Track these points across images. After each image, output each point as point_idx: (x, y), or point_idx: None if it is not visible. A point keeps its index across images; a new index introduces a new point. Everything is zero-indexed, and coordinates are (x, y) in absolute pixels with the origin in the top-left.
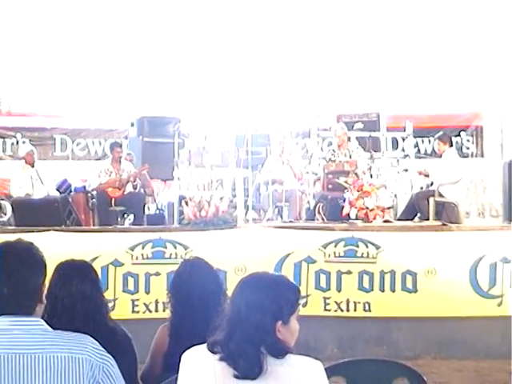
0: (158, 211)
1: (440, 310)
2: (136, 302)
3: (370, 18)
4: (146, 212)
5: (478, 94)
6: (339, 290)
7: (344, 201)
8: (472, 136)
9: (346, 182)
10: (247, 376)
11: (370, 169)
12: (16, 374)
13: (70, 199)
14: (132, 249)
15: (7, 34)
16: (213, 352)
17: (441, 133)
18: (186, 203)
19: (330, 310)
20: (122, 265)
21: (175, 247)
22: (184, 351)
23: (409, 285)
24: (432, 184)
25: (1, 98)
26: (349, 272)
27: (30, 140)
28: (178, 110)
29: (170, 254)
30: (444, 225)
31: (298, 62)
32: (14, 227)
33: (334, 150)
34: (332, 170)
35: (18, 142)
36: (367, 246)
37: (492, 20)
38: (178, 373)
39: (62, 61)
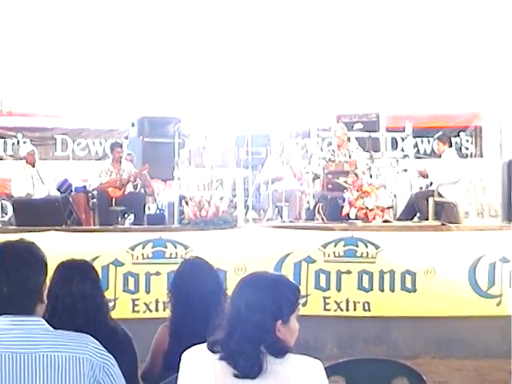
0: (158, 211)
1: (439, 310)
2: (136, 302)
3: (370, 19)
4: (147, 212)
5: (477, 95)
6: (339, 290)
7: (344, 201)
8: (471, 136)
9: (345, 182)
10: (247, 375)
11: (369, 169)
12: (17, 374)
13: (71, 199)
14: (132, 248)
15: (8, 34)
16: (213, 351)
17: (440, 133)
18: (187, 203)
19: (329, 310)
20: (123, 264)
21: (175, 247)
22: (184, 350)
23: (408, 284)
24: (431, 184)
25: (2, 98)
26: (348, 272)
27: (30, 140)
28: (178, 110)
29: (171, 254)
30: (443, 225)
31: (297, 62)
32: (14, 227)
33: (333, 150)
34: (332, 170)
35: (18, 142)
36: (367, 246)
37: (491, 20)
38: (178, 372)
39: (63, 61)
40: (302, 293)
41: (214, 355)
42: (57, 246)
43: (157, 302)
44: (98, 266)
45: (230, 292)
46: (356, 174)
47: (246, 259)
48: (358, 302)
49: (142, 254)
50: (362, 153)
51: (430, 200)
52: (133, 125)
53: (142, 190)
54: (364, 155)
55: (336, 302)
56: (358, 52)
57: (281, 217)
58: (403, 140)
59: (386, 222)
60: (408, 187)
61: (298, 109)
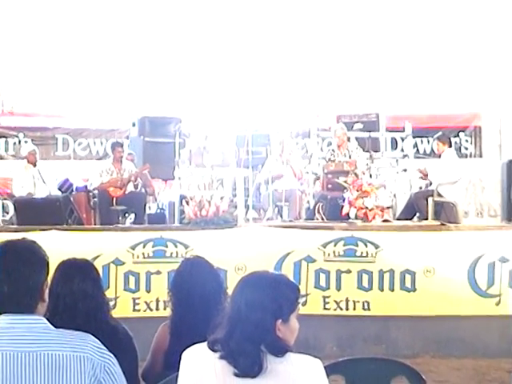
0: (158, 210)
1: (439, 309)
2: (137, 301)
3: (370, 19)
4: (147, 211)
5: (477, 95)
6: (339, 289)
7: (343, 200)
8: (471, 136)
9: (345, 181)
10: (247, 374)
11: (369, 169)
12: (18, 372)
13: (72, 198)
14: (133, 248)
15: (9, 34)
16: (213, 350)
17: (440, 133)
18: (187, 203)
19: (329, 309)
20: (123, 264)
21: (176, 246)
22: (184, 349)
23: (408, 284)
24: (431, 184)
25: (3, 98)
26: (348, 271)
27: (32, 140)
28: (178, 110)
29: (171, 253)
30: (443, 224)
31: (297, 63)
32: (16, 226)
33: (333, 150)
34: (332, 170)
35: (20, 142)
36: (366, 246)
37: (491, 21)
38: (178, 371)
39: (64, 61)
40: (302, 292)
41: (215, 354)
42: (58, 246)
43: (157, 300)
44: (98, 265)
45: (230, 291)
46: (356, 174)
47: (246, 258)
48: (358, 302)
49: (143, 254)
50: (362, 153)
51: (430, 200)
52: (134, 124)
53: (143, 190)
54: (364, 155)
55: (336, 301)
56: (358, 52)
57: (281, 216)
58: (403, 140)
59: (385, 221)
60: (408, 187)
61: (297, 109)
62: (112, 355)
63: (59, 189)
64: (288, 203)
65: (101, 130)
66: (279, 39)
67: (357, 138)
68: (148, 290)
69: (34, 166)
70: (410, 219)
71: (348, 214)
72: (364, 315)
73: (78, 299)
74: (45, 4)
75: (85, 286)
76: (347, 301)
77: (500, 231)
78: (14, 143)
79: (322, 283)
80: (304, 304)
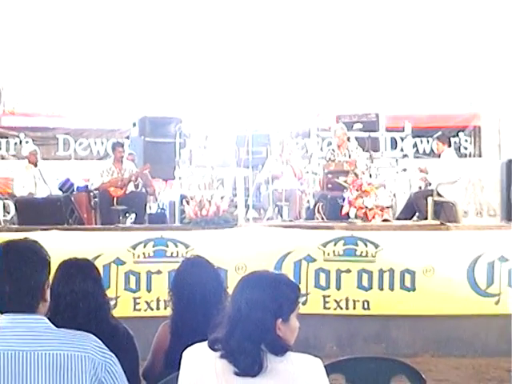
0: (159, 210)
1: (438, 308)
2: (138, 300)
3: (370, 19)
4: (148, 211)
5: (476, 95)
6: (338, 289)
7: (343, 200)
8: (470, 136)
9: (345, 181)
10: (247, 373)
11: (369, 168)
12: (19, 372)
13: (73, 198)
14: (134, 247)
15: (11, 34)
16: (213, 349)
17: (439, 133)
18: (187, 202)
19: (329, 308)
20: (124, 263)
21: (176, 246)
22: (185, 348)
23: (407, 283)
24: (430, 184)
25: (4, 98)
26: (348, 270)
27: (33, 140)
28: (179, 110)
29: (172, 253)
30: (442, 224)
31: (297, 63)
32: (17, 226)
33: (333, 150)
34: (331, 170)
35: (21, 142)
36: (366, 245)
37: (490, 21)
38: (179, 370)
39: (65, 61)
40: (302, 291)
41: (215, 353)
42: (59, 245)
43: (158, 300)
44: (99, 264)
45: (230, 291)
46: (356, 174)
47: (247, 258)
48: (358, 301)
49: (144, 253)
50: (362, 152)
51: (429, 199)
52: (134, 125)
53: (144, 190)
54: (364, 155)
55: (336, 300)
56: (358, 52)
57: (281, 216)
58: (402, 140)
59: (385, 221)
60: (407, 187)
61: (298, 109)
62: (113, 355)
63: (60, 189)
64: (288, 203)
65: (101, 130)
66: (279, 39)
67: (357, 138)
68: (149, 290)
69: (35, 166)
70: (410, 219)
71: (348, 214)
72: (364, 314)
73: (78, 299)
74: (46, 5)
75: (86, 286)
76: (347, 300)
77: (499, 231)
78: (15, 143)
79: (322, 283)
80: (304, 303)
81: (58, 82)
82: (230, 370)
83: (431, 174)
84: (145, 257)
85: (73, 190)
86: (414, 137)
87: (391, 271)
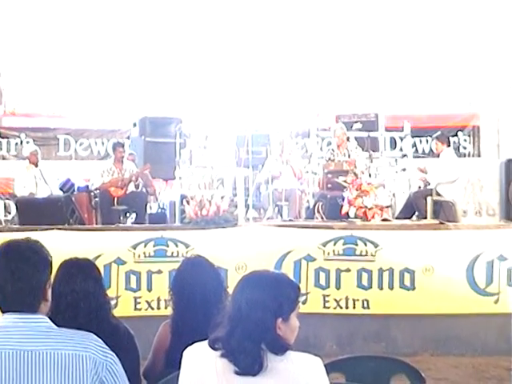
0: (159, 210)
1: (437, 308)
2: (138, 300)
3: (369, 19)
4: (148, 211)
5: (475, 95)
6: (338, 288)
7: (343, 200)
8: (469, 136)
9: (345, 181)
10: (248, 372)
11: (368, 168)
12: (20, 371)
13: (73, 198)
14: (134, 247)
15: (11, 35)
16: (214, 349)
17: (438, 133)
18: (188, 202)
19: (329, 308)
20: (125, 263)
21: (177, 245)
22: (185, 348)
23: (407, 282)
24: (429, 183)
25: (5, 98)
26: (348, 270)
27: (33, 140)
28: (179, 110)
29: (172, 253)
30: (441, 223)
31: (297, 63)
32: (17, 226)
33: (333, 150)
34: (331, 170)
35: (22, 142)
36: (366, 245)
37: (489, 21)
38: (179, 369)
39: (66, 62)
40: (302, 291)
41: (215, 352)
42: (59, 245)
43: (158, 299)
44: (100, 264)
45: (230, 290)
46: (355, 174)
47: (247, 257)
48: (358, 300)
49: (144, 253)
50: (361, 152)
51: (429, 199)
52: (134, 125)
53: (144, 190)
54: (363, 155)
55: (335, 299)
56: (357, 52)
57: (281, 216)
58: (402, 140)
59: (384, 220)
60: (407, 186)
61: (297, 109)
62: (114, 354)
63: (61, 189)
64: (288, 203)
65: (102, 131)
66: (279, 39)
67: (356, 138)
68: (149, 289)
69: (36, 166)
70: (409, 218)
71: (347, 213)
72: (363, 314)
73: (79, 298)
74: (47, 5)
75: (86, 286)
76: (347, 299)
77: (498, 230)
78: (16, 143)
79: (322, 282)
80: (304, 303)
81: (58, 82)
82: (230, 370)
83: (430, 174)
84: (145, 256)
85: (73, 190)
86: (413, 136)
87: (391, 270)
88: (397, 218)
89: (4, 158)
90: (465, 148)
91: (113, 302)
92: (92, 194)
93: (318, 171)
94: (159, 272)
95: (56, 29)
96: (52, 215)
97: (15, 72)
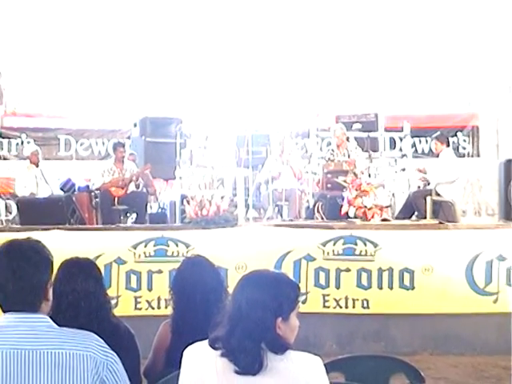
0: (160, 210)
1: (437, 307)
2: (139, 299)
3: (369, 19)
4: (149, 211)
5: (475, 95)
6: (338, 288)
7: (343, 200)
8: (468, 136)
9: (344, 181)
10: (248, 372)
11: (368, 168)
12: (21, 370)
13: (74, 198)
14: (135, 247)
15: (12, 35)
16: (214, 348)
17: (438, 133)
18: (188, 202)
19: (329, 307)
20: (125, 263)
21: (177, 245)
22: (186, 347)
23: (406, 282)
24: (429, 184)
25: (6, 98)
26: (347, 269)
27: (34, 140)
28: (179, 110)
29: (172, 252)
30: (441, 223)
31: (297, 63)
32: (18, 226)
33: (333, 150)
34: (331, 170)
35: (22, 142)
36: (365, 244)
37: (489, 21)
38: (180, 368)
39: (66, 62)
40: (302, 290)
41: (216, 352)
42: (60, 245)
43: (159, 299)
44: (100, 264)
45: (230, 290)
46: (355, 174)
47: (247, 257)
48: (357, 300)
49: (144, 253)
50: (361, 152)
51: (428, 199)
52: (135, 125)
53: (144, 190)
54: (363, 155)
55: (335, 299)
56: (357, 53)
57: (281, 215)
58: (401, 140)
59: (384, 220)
60: (406, 186)
61: (297, 109)
62: (115, 354)
63: (61, 189)
64: (288, 202)
65: (103, 131)
66: (279, 40)
67: (356, 138)
68: (149, 289)
69: (37, 166)
70: (409, 218)
71: (347, 213)
72: (363, 313)
73: (80, 298)
74: (47, 5)
75: (87, 285)
76: (346, 299)
77: (497, 230)
78: (17, 144)
79: (322, 281)
80: (304, 302)
81: (59, 82)
82: (230, 369)
83: (430, 174)
84: (146, 256)
85: (74, 190)
86: (412, 137)
87: (390, 270)
88: (396, 218)
89: (5, 158)
90: (464, 148)
91: (113, 302)
92: (92, 193)
93: (318, 171)
94: (159, 272)
95: (57, 29)
96: (53, 215)
97: (16, 72)
